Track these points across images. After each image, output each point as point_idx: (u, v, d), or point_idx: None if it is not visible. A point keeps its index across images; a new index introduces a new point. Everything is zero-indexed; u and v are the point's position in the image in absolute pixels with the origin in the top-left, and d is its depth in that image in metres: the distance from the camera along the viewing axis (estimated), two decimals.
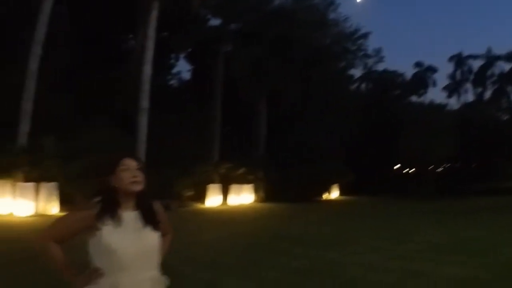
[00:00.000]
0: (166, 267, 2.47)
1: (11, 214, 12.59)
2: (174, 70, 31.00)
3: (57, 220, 2.39)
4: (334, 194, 29.03)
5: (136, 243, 2.26)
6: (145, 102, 17.57)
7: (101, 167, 2.42)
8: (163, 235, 2.49)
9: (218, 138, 23.24)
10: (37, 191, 13.13)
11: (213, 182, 20.31)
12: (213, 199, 19.75)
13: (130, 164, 2.37)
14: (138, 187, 2.33)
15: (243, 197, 21.44)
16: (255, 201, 22.14)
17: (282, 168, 23.27)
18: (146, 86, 17.68)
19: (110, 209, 2.26)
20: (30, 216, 12.56)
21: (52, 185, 13.53)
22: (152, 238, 2.32)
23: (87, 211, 2.26)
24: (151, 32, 18.04)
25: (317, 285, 6.33)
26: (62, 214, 12.68)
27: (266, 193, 22.71)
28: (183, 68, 49.47)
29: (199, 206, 19.26)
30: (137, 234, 2.28)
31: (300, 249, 9.02)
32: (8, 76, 16.40)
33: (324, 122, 27.29)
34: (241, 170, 21.93)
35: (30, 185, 13.03)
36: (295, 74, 24.81)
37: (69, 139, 15.04)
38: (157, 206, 2.50)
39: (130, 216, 2.31)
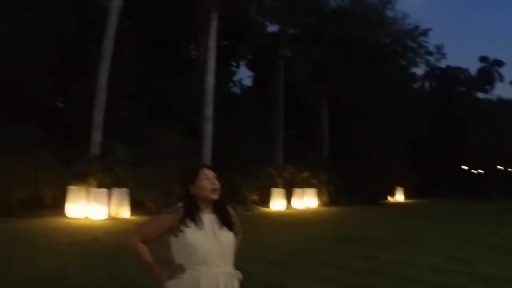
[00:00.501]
0: (235, 267, 2.62)
1: (86, 218, 13.32)
2: (236, 77, 31.58)
3: (145, 222, 2.77)
4: (399, 196, 28.24)
5: (215, 242, 2.52)
6: (209, 110, 17.99)
7: (182, 176, 2.74)
8: (235, 235, 2.73)
9: (281, 142, 23.33)
10: (109, 196, 13.78)
11: (277, 186, 20.42)
12: (277, 203, 19.85)
13: (209, 174, 2.65)
14: (217, 195, 2.60)
15: (306, 201, 21.39)
16: (319, 205, 21.99)
17: (345, 171, 22.98)
18: (209, 95, 18.12)
19: (192, 213, 2.54)
20: (104, 220, 13.26)
21: (123, 190, 14.17)
22: (228, 238, 2.59)
23: (171, 215, 2.55)
24: (212, 43, 18.45)
25: (381, 285, 6.25)
26: (134, 217, 13.42)
27: (330, 196, 22.52)
28: (244, 75, 50.21)
29: (264, 209, 19.42)
30: (215, 234, 2.54)
31: (364, 251, 8.97)
32: (80, 89, 17.38)
33: (387, 123, 26.64)
34: (305, 174, 21.89)
35: (103, 191, 13.71)
36: (356, 73, 24.46)
37: (138, 146, 15.67)
38: (230, 209, 2.75)
39: (208, 219, 2.57)
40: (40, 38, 16.15)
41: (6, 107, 16.70)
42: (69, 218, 13.11)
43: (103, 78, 15.81)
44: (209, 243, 2.50)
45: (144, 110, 19.21)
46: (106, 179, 14.06)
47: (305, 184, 21.73)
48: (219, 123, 18.88)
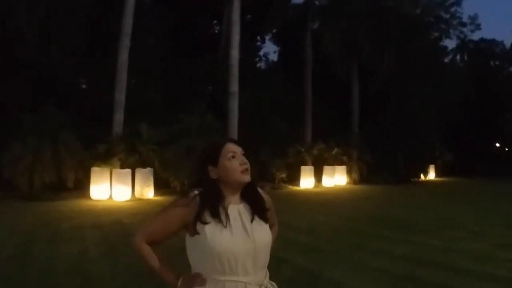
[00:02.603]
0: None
1: (110, 199, 13.02)
2: (262, 52, 30.80)
3: (152, 219, 2.07)
4: (431, 175, 27.18)
5: (245, 243, 1.93)
6: (234, 86, 17.40)
7: (202, 156, 2.07)
8: (270, 226, 2.15)
9: (309, 118, 22.58)
10: (133, 176, 13.44)
11: (306, 163, 19.78)
12: (306, 181, 19.24)
13: (236, 150, 2.03)
14: (248, 178, 2.00)
15: (336, 178, 20.69)
16: (349, 183, 21.30)
17: (376, 148, 22.10)
18: (234, 71, 17.50)
19: (213, 204, 1.94)
20: (128, 201, 12.93)
21: (148, 170, 13.81)
22: (264, 234, 2.00)
23: (185, 207, 1.94)
24: (235, 16, 17.78)
25: (427, 275, 5.61)
26: (158, 198, 12.98)
27: (360, 174, 21.74)
28: (270, 50, 49.29)
29: (293, 188, 18.87)
30: (246, 231, 1.95)
31: (401, 235, 8.30)
32: (103, 69, 17.01)
33: (419, 99, 25.42)
34: (334, 151, 21.18)
35: (127, 171, 13.38)
36: (387, 46, 23.37)
37: (162, 125, 15.27)
38: (263, 193, 2.15)
39: (236, 211, 1.98)
40: (61, 18, 15.75)
41: (29, 89, 16.55)
42: (93, 200, 12.84)
43: (123, 56, 15.43)
44: (238, 244, 1.90)
45: (168, 88, 18.80)
46: (130, 159, 13.75)
47: (334, 161, 21.03)
48: (246, 100, 18.31)
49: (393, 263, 6.18)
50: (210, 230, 1.89)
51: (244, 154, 2.03)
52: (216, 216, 1.91)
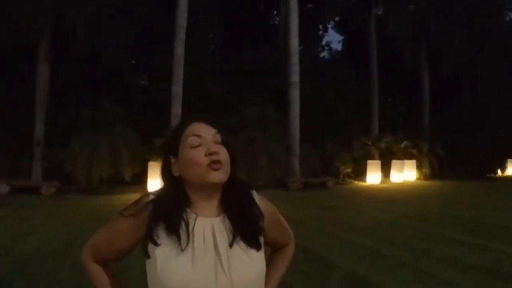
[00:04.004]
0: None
1: None
2: (324, 42, 29.82)
3: (99, 229, 1.52)
4: (510, 170, 24.79)
5: (213, 280, 1.30)
6: (295, 76, 16.74)
7: (165, 142, 1.47)
8: (278, 249, 1.64)
9: (376, 109, 21.37)
10: None
11: (372, 157, 18.71)
12: (372, 176, 18.17)
13: (204, 132, 1.40)
14: (219, 176, 1.36)
15: (405, 174, 19.41)
16: (418, 178, 19.89)
17: (449, 140, 20.46)
18: (295, 60, 16.82)
19: (168, 215, 1.35)
20: None
21: None
22: (247, 270, 1.35)
23: (134, 218, 1.38)
24: (293, 3, 17.06)
25: None
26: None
27: (431, 169, 20.23)
28: (333, 39, 47.82)
29: (358, 183, 17.91)
30: (217, 262, 1.33)
31: (476, 240, 7.29)
32: (160, 62, 16.96)
33: (495, 84, 23.19)
34: (403, 144, 19.88)
35: None
36: (458, 28, 21.55)
37: (221, 118, 14.92)
38: (261, 202, 1.49)
39: (208, 227, 1.37)
40: (118, 12, 15.82)
41: (89, 85, 16.87)
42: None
43: (179, 49, 15.30)
44: (201, 279, 1.30)
45: (227, 80, 18.48)
46: None
47: (403, 155, 19.73)
48: (308, 91, 17.60)
49: (465, 275, 5.32)
50: (162, 255, 1.31)
51: (223, 142, 1.42)
52: (172, 233, 1.32)
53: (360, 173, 18.59)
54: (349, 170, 18.62)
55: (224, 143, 1.41)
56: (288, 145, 16.02)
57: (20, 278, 5.05)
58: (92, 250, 1.51)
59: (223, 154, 1.37)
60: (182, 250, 1.30)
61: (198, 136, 1.38)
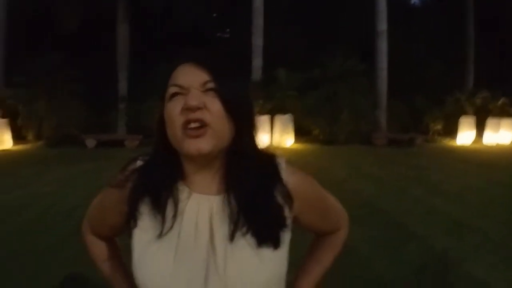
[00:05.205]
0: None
1: None
2: None
3: (92, 202, 1.27)
4: None
5: (201, 281, 0.98)
6: (382, 24, 15.60)
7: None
8: (324, 235, 1.27)
9: (471, 61, 19.57)
10: (272, 123, 12.77)
11: (465, 114, 17.22)
12: (464, 135, 16.73)
13: (187, 78, 0.98)
14: (196, 145, 0.96)
15: (501, 134, 17.67)
16: None
17: None
18: (381, 6, 15.64)
19: (153, 189, 1.03)
20: (265, 148, 12.28)
21: (287, 117, 13.02)
22: (256, 271, 0.99)
23: (119, 189, 1.09)
24: None
25: None
26: (298, 146, 12.15)
27: None
28: None
29: (448, 142, 16.59)
30: (209, 257, 0.99)
31: None
32: (240, 15, 16.50)
33: None
34: (501, 101, 18.07)
35: (265, 117, 12.76)
36: None
37: (303, 70, 14.33)
38: (292, 177, 1.08)
39: (203, 208, 1.02)
40: None
41: (169, 41, 16.83)
42: None
43: (257, 0, 14.78)
44: (183, 279, 0.98)
45: (309, 31, 17.69)
46: (268, 105, 13.08)
47: (500, 113, 17.95)
48: (396, 40, 16.37)
49: None
50: (140, 240, 1.04)
51: (223, 91, 0.97)
52: (157, 211, 1.02)
53: (451, 131, 17.18)
54: (439, 127, 17.32)
55: (223, 93, 0.97)
56: (374, 98, 15.09)
57: None
58: (89, 224, 1.28)
59: (211, 111, 0.95)
60: (162, 236, 1.00)
61: (178, 85, 0.98)
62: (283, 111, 13.18)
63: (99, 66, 15.33)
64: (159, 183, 1.02)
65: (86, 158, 10.79)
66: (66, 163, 10.33)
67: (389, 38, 15.59)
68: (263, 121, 12.63)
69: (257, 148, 1.07)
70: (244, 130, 1.02)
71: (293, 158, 10.56)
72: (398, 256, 4.34)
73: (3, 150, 12.64)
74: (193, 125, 0.95)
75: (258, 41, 14.87)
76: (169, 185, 1.03)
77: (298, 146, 12.63)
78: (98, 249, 1.28)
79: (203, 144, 0.95)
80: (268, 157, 1.09)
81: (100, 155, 11.53)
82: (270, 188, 1.03)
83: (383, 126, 15.15)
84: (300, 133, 13.51)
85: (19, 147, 13.15)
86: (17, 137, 13.60)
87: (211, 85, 0.97)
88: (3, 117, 13.36)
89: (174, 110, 0.96)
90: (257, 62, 14.75)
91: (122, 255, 1.32)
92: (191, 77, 0.97)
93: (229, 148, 1.01)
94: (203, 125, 0.95)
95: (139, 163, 1.09)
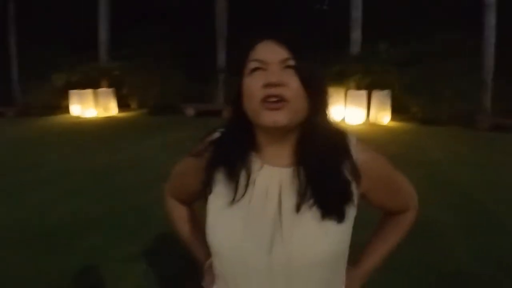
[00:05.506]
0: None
1: (342, 121, 12.23)
2: None
3: (174, 168, 1.36)
4: None
5: (266, 251, 1.02)
6: None
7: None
8: (392, 214, 1.28)
9: None
10: (368, 99, 12.34)
11: None
12: None
13: (268, 55, 1.03)
14: (274, 118, 1.00)
15: None
16: None
17: None
18: None
19: (228, 158, 1.10)
20: (361, 125, 11.95)
21: (385, 93, 12.50)
22: (320, 244, 1.02)
23: (197, 159, 1.18)
24: None
25: None
26: (395, 124, 11.67)
27: None
28: None
29: None
30: (274, 227, 1.03)
31: None
32: None
33: None
34: None
35: (362, 92, 12.36)
36: None
37: (405, 44, 13.62)
38: (361, 154, 1.10)
39: (274, 180, 1.07)
40: None
41: (267, 12, 16.78)
42: None
43: None
44: (252, 247, 1.03)
45: (413, 3, 16.71)
46: (366, 80, 12.65)
47: None
48: (507, 14, 14.95)
49: None
50: (214, 206, 1.11)
51: (301, 69, 1.01)
52: (231, 179, 1.08)
53: None
54: None
55: (302, 72, 1.01)
56: (480, 77, 13.95)
57: None
58: (171, 190, 1.37)
59: (290, 88, 1.00)
60: (234, 202, 1.06)
61: (259, 61, 1.03)
62: (381, 86, 12.65)
63: (199, 38, 15.73)
64: (234, 154, 1.09)
65: (185, 126, 11.17)
66: (166, 130, 10.82)
67: (497, 11, 14.25)
68: (359, 96, 12.24)
69: (330, 124, 1.10)
70: (319, 107, 1.06)
71: (388, 136, 10.19)
72: (488, 248, 3.99)
73: (109, 117, 13.58)
74: (272, 99, 0.99)
75: (357, 13, 14.38)
76: (243, 156, 1.09)
77: (395, 124, 12.10)
78: (178, 212, 1.37)
79: (280, 117, 1.00)
80: (339, 134, 1.11)
81: (198, 124, 11.89)
82: (338, 163, 1.06)
83: (487, 109, 14.00)
84: (398, 110, 12.89)
85: (124, 114, 13.98)
86: (122, 105, 14.49)
87: (291, 62, 1.02)
88: (109, 86, 14.28)
89: (255, 84, 1.01)
90: (356, 35, 14.26)
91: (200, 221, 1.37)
92: (272, 54, 1.02)
93: (302, 123, 1.05)
94: (281, 100, 1.00)
95: (216, 135, 1.17)
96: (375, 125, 11.88)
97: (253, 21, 16.34)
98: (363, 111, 12.20)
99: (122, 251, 4.05)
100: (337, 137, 1.10)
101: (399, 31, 15.39)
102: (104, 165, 7.33)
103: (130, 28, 14.76)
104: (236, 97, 1.09)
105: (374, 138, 9.71)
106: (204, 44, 15.67)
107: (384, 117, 12.25)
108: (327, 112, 1.09)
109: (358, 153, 1.09)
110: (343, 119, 12.29)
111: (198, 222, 1.35)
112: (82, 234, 4.49)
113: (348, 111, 12.20)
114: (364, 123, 12.05)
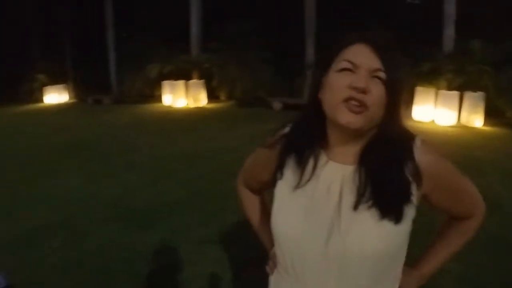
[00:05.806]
0: None
1: (432, 122, 11.91)
2: None
3: (248, 159, 1.51)
4: None
5: (322, 240, 1.09)
6: None
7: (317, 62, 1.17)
8: (456, 218, 1.28)
9: None
10: (461, 100, 11.76)
11: None
12: None
13: (360, 59, 1.08)
14: (351, 119, 1.06)
15: None
16: None
17: None
18: None
19: (299, 148, 1.19)
20: (451, 126, 11.52)
21: (479, 95, 11.86)
22: (375, 242, 1.06)
23: (269, 150, 1.29)
24: None
25: None
26: (486, 128, 11.10)
27: None
28: None
29: None
30: (332, 220, 1.09)
31: None
32: None
33: None
34: None
35: (454, 93, 11.87)
36: None
37: (501, 42, 12.75)
38: (425, 156, 1.12)
39: (337, 175, 1.14)
40: None
41: (354, 7, 16.46)
42: (415, 121, 11.88)
43: None
44: (310, 235, 1.10)
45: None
46: (458, 80, 12.12)
47: None
48: None
49: None
50: (280, 191, 1.21)
51: (387, 80, 1.06)
52: (299, 165, 1.17)
53: None
54: None
55: (389, 83, 1.06)
56: None
57: None
58: (242, 177, 1.50)
59: (373, 96, 1.05)
60: (299, 187, 1.14)
61: (351, 62, 1.07)
62: (474, 87, 12.00)
63: (288, 33, 15.84)
64: (304, 143, 1.18)
65: (271, 119, 11.35)
66: (253, 121, 11.09)
67: None
68: (451, 97, 11.74)
69: (401, 127, 1.13)
70: (394, 113, 1.10)
71: (479, 140, 9.72)
72: None
73: (199, 107, 14.19)
74: (354, 102, 1.05)
75: (450, 8, 13.77)
76: (312, 148, 1.17)
77: (488, 128, 11.44)
78: (249, 200, 1.49)
79: (356, 120, 1.05)
80: (406, 135, 1.14)
81: (285, 117, 12.01)
82: (400, 163, 1.10)
83: None
84: (492, 114, 12.15)
85: (213, 105, 14.50)
86: (211, 96, 15.05)
87: (381, 74, 1.06)
88: (199, 78, 14.86)
89: (342, 83, 1.06)
90: (449, 31, 13.70)
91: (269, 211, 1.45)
92: (364, 59, 1.07)
93: (374, 127, 1.11)
94: (362, 105, 1.05)
95: (287, 129, 1.28)
96: (466, 128, 11.36)
97: (341, 16, 16.21)
98: (454, 113, 11.71)
99: (198, 235, 4.30)
100: (403, 139, 1.13)
101: (496, 27, 14.48)
102: (191, 152, 7.72)
103: (220, 22, 15.23)
104: (316, 89, 1.17)
105: (464, 141, 9.38)
106: (293, 39, 15.77)
107: (476, 120, 11.63)
108: (400, 116, 1.12)
109: (421, 155, 1.11)
110: (433, 120, 11.89)
111: (267, 212, 1.38)
112: (166, 214, 4.82)
113: (438, 112, 11.77)
114: (455, 125, 11.54)
